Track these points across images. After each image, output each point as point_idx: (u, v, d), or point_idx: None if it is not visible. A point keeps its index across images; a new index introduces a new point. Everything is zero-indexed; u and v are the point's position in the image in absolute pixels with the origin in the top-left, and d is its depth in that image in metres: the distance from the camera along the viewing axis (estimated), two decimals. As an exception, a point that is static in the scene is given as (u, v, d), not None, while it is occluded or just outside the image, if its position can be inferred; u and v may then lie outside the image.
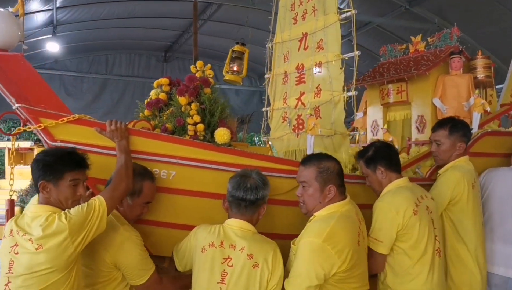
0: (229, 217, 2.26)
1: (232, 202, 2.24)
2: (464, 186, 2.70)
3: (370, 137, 4.40)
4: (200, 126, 2.46)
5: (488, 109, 3.36)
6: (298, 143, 3.47)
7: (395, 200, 2.38)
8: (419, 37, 4.27)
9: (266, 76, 3.93)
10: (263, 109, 3.92)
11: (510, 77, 4.29)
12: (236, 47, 3.93)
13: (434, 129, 2.95)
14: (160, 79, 2.80)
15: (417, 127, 3.95)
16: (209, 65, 2.65)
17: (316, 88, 3.29)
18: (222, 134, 2.42)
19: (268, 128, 3.95)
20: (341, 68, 3.01)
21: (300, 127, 3.49)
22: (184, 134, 2.50)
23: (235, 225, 2.21)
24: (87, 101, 9.88)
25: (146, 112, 2.79)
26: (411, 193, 2.43)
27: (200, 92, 2.54)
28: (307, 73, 3.42)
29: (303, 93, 3.46)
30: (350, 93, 2.93)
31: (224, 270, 2.10)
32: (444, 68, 3.89)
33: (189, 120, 2.47)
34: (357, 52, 2.88)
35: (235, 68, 3.74)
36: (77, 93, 10.17)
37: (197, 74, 2.62)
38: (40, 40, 9.61)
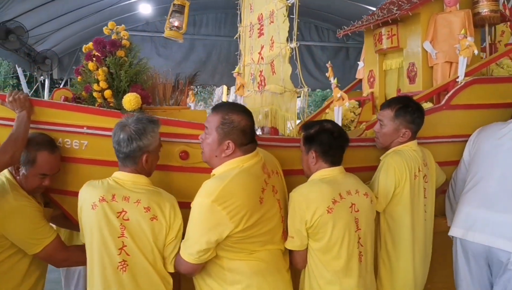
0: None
1: (116, 153, 2.09)
2: (406, 173, 2.32)
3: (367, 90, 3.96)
4: (107, 93, 2.32)
5: (476, 52, 2.81)
6: (261, 102, 3.20)
7: (309, 194, 2.09)
8: (420, -31, 3.64)
9: (239, 29, 3.65)
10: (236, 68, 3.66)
11: None
12: (176, 0, 3.60)
13: (381, 107, 2.55)
14: (89, 44, 2.67)
15: (408, 77, 3.45)
16: (123, 26, 2.47)
17: (271, 40, 2.96)
18: (129, 100, 2.26)
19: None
20: (284, 16, 2.66)
21: (263, 84, 3.20)
22: (95, 101, 2.38)
23: (126, 179, 2.06)
24: (176, 62, 9.80)
25: (79, 78, 2.70)
26: (332, 187, 2.10)
27: (110, 55, 2.37)
28: (265, 23, 3.08)
29: (263, 46, 3.15)
30: (292, 45, 2.59)
31: (121, 224, 1.96)
32: (439, 5, 3.30)
33: (95, 86, 2.33)
34: (296, -2, 2.51)
35: (176, 24, 3.44)
36: (167, 54, 10.15)
37: (113, 37, 2.46)
38: (133, 3, 9.74)
